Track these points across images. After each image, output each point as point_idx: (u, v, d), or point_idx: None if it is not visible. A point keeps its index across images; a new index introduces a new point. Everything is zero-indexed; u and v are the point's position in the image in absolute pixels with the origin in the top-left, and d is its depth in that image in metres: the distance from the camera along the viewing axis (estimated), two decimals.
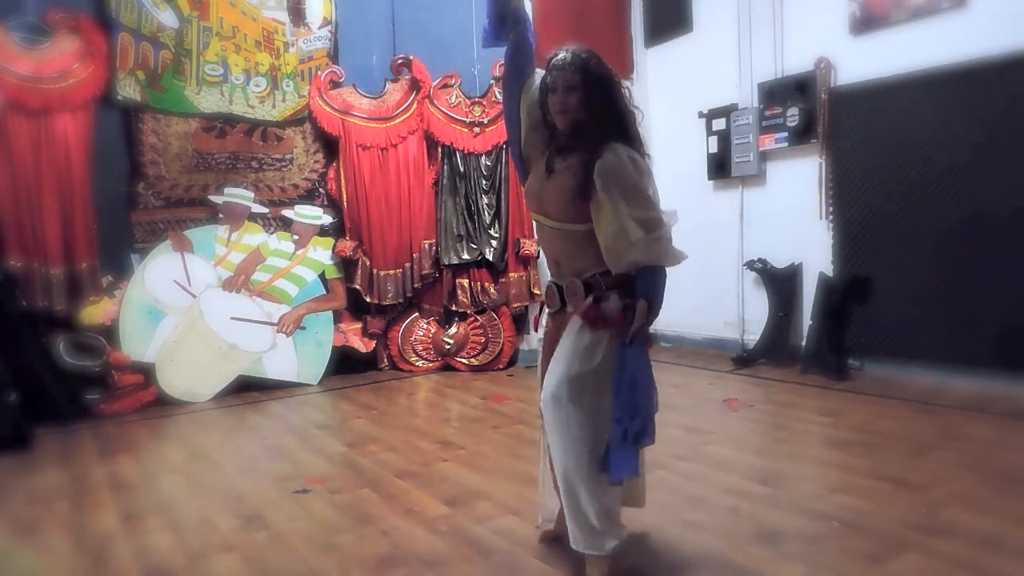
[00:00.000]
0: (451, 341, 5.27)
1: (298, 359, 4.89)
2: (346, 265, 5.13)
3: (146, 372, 4.38)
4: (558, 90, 1.95)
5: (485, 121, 5.34)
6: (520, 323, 5.42)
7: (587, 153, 1.92)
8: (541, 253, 5.32)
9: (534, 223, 2.18)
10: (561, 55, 1.96)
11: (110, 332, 4.30)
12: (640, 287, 1.88)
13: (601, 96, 1.95)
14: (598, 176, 1.87)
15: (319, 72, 5.04)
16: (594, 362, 1.92)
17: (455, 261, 5.30)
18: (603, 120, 1.95)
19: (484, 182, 5.39)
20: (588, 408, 1.93)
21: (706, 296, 5.62)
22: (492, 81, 5.39)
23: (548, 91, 1.98)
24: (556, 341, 2.03)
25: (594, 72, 1.95)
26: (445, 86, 5.34)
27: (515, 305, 5.35)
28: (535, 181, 2.09)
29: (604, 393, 1.91)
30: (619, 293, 1.93)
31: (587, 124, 1.95)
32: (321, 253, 5.09)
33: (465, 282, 5.34)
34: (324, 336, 5.00)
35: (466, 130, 5.32)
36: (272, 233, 4.95)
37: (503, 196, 5.39)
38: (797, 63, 4.84)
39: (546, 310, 2.14)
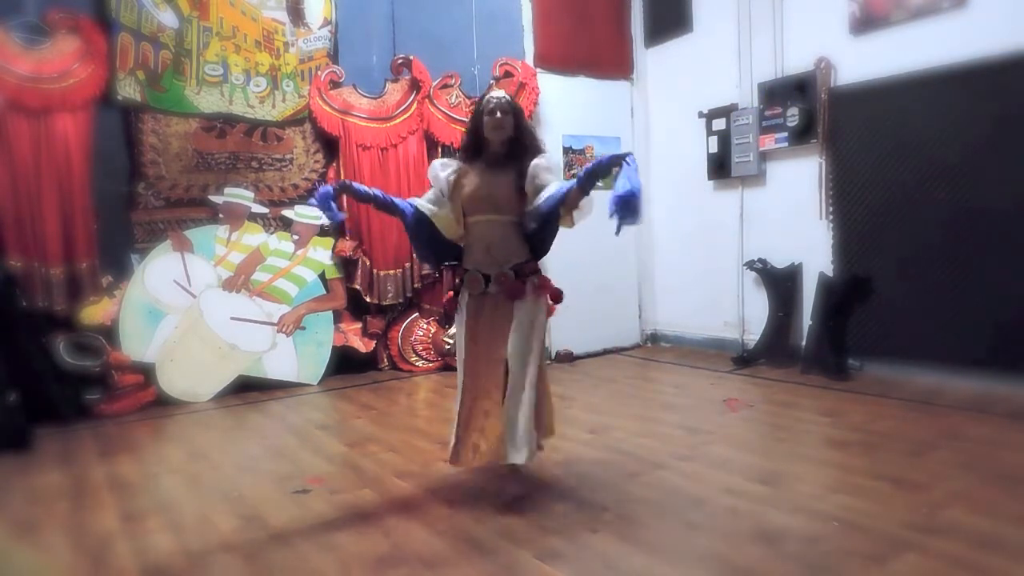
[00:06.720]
0: (451, 341, 5.27)
1: (298, 359, 4.89)
2: (346, 265, 5.13)
3: (146, 372, 4.38)
4: (496, 112, 2.67)
5: None
6: None
7: (520, 162, 2.68)
8: None
9: (471, 223, 2.76)
10: (495, 93, 2.76)
11: (110, 332, 4.30)
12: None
13: (521, 122, 2.77)
14: (544, 169, 2.65)
15: (319, 72, 5.03)
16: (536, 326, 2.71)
17: (455, 261, 5.28)
18: (524, 139, 2.74)
19: None
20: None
21: (706, 296, 5.63)
22: (492, 81, 5.39)
23: (485, 114, 2.69)
24: (479, 313, 2.74)
25: (517, 107, 2.76)
26: (445, 86, 5.34)
27: None
28: (482, 188, 2.68)
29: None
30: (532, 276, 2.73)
31: (516, 141, 2.71)
32: (321, 253, 5.08)
33: None
34: (324, 336, 5.00)
35: None
36: (272, 233, 4.95)
37: None
38: (797, 63, 4.84)
39: (465, 294, 2.80)
